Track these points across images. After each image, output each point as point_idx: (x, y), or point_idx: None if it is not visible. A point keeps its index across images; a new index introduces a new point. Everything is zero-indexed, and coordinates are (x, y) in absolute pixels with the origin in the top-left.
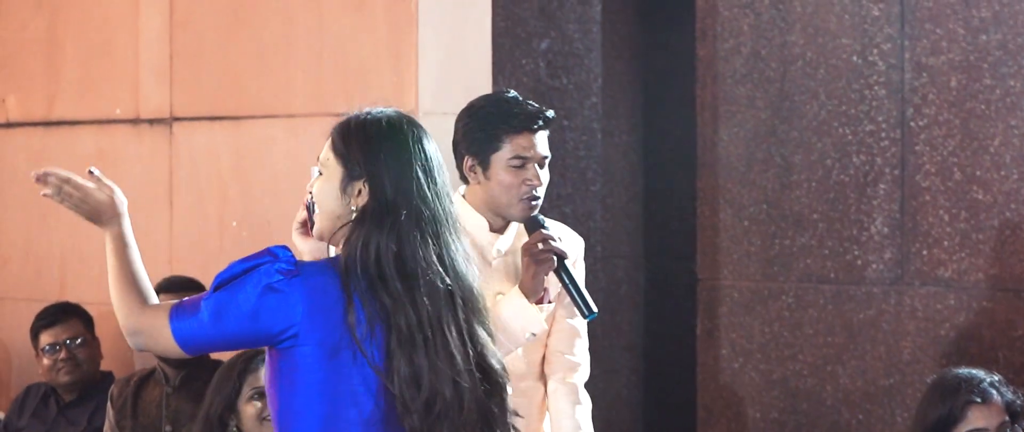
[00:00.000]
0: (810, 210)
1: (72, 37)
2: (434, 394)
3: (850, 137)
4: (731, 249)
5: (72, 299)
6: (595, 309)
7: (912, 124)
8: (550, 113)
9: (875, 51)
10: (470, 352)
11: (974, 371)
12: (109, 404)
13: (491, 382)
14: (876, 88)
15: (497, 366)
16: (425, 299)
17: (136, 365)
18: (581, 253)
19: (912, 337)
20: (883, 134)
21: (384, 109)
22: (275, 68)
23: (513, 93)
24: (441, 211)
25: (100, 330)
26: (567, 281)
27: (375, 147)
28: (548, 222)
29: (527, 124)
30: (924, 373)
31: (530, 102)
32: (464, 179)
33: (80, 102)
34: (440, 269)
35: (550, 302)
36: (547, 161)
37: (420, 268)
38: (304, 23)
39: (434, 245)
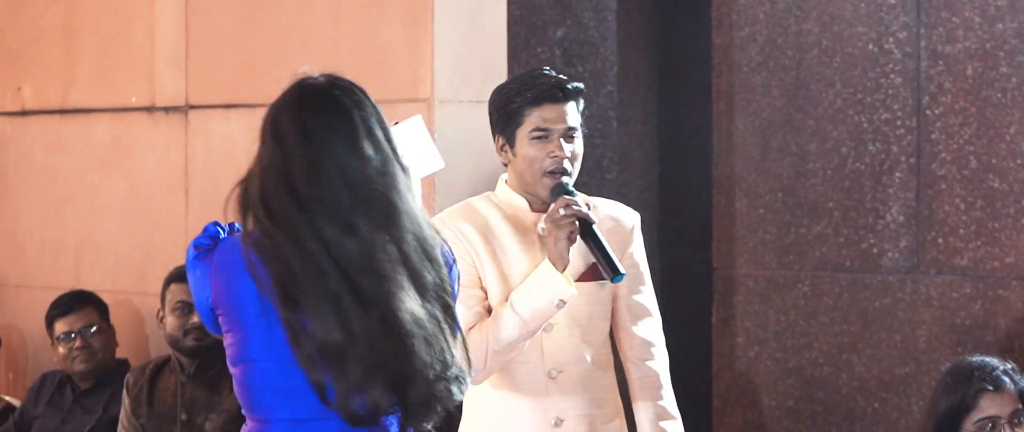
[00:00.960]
0: (826, 198)
1: (88, 25)
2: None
3: (866, 125)
4: (746, 238)
5: (87, 287)
6: (623, 270)
7: (928, 112)
8: (574, 84)
9: (891, 39)
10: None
11: (987, 359)
12: (124, 392)
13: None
14: (892, 76)
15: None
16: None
17: (151, 353)
18: (637, 224)
19: (928, 326)
20: (899, 122)
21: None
22: (290, 56)
23: (545, 69)
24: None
25: (115, 318)
26: (593, 244)
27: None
28: (598, 200)
29: (547, 95)
30: (939, 361)
31: (556, 74)
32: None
33: (96, 90)
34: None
35: (595, 278)
36: (576, 133)
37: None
38: (320, 11)
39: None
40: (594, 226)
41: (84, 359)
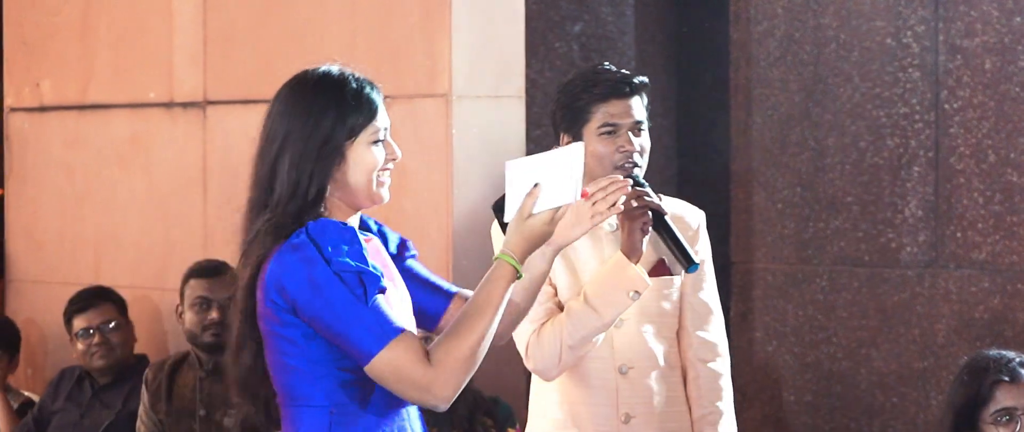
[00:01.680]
0: (844, 193)
1: (106, 21)
2: None
3: (884, 120)
4: (765, 232)
5: (106, 283)
6: (697, 261)
7: (946, 106)
8: (640, 78)
9: (909, 33)
10: None
11: (1004, 352)
12: (144, 388)
13: None
14: (910, 70)
15: None
16: None
17: (170, 349)
18: (702, 222)
19: (946, 320)
20: (917, 116)
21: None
22: (308, 51)
23: (606, 64)
24: None
25: (133, 314)
26: (666, 235)
27: None
28: (663, 198)
29: (614, 90)
30: (958, 356)
31: (620, 70)
32: None
33: (114, 86)
34: None
35: (667, 273)
36: (643, 127)
37: None
38: (337, 6)
39: None
40: (666, 217)
41: (103, 355)
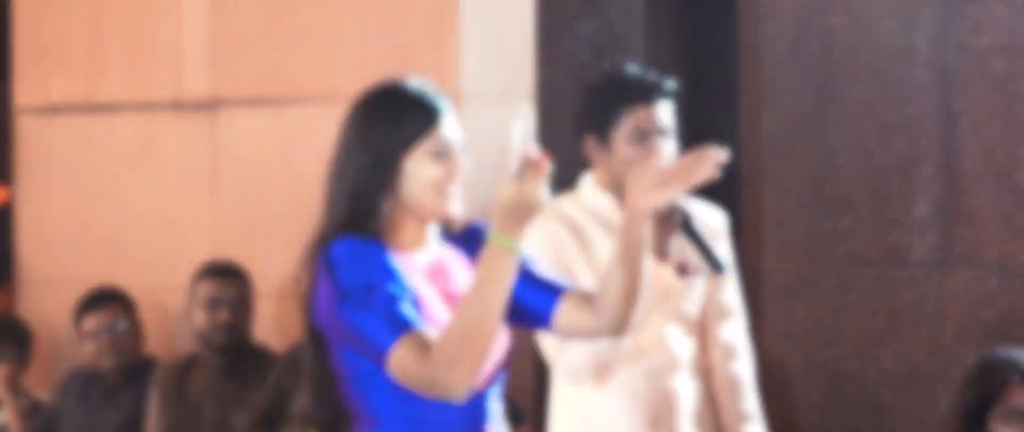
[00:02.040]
0: (853, 193)
1: (115, 21)
2: None
3: (893, 120)
4: (774, 232)
5: (116, 283)
6: (724, 264)
7: (955, 106)
8: (670, 83)
9: (918, 33)
10: None
11: (1013, 352)
12: (155, 388)
13: None
14: (919, 70)
15: None
16: None
17: (180, 350)
18: (725, 224)
19: (955, 320)
20: (926, 117)
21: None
22: (318, 51)
23: (632, 67)
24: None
25: (143, 314)
26: (693, 237)
27: None
28: (688, 199)
29: (645, 95)
30: (967, 356)
31: (649, 73)
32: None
33: (123, 86)
34: None
35: (691, 274)
36: (671, 132)
37: None
38: (346, 6)
39: None
40: (693, 220)
41: (113, 355)
